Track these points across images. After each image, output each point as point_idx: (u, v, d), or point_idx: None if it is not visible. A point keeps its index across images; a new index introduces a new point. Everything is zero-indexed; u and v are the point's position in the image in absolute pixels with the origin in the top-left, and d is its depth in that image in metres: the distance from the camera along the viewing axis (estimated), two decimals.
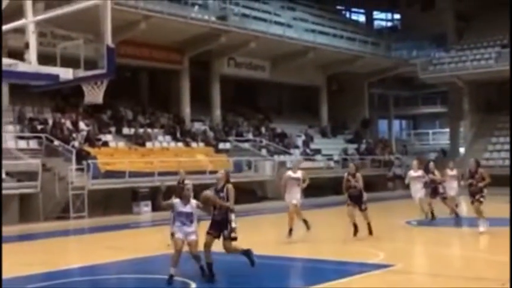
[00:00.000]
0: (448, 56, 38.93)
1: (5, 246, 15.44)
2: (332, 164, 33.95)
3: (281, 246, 12.42)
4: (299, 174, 14.08)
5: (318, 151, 34.89)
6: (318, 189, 32.56)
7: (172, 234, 9.96)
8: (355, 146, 37.85)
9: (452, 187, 18.07)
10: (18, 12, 9.64)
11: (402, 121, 51.98)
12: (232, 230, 9.53)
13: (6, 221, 19.85)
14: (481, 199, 14.11)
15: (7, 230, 18.57)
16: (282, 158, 31.29)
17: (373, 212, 14.96)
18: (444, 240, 14.53)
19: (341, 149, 36.43)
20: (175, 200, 9.61)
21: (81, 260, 12.81)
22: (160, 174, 22.58)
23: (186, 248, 9.31)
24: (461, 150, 39.48)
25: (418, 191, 17.26)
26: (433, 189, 17.32)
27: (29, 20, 9.33)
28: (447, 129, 44.58)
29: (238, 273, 10.30)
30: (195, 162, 26.06)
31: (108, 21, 8.84)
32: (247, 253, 9.92)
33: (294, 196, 13.88)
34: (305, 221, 14.16)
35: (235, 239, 9.61)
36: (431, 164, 17.95)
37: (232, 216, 9.59)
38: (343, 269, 10.81)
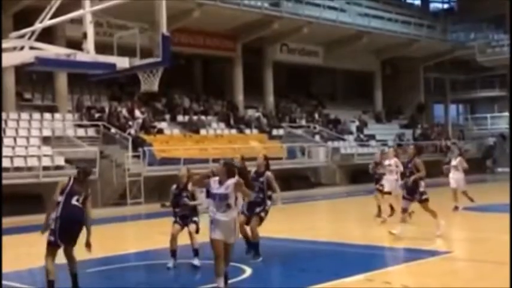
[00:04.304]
0: (507, 38, 37.76)
1: None
2: (386, 149, 33.48)
3: (334, 232, 12.36)
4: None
5: (372, 137, 34.55)
6: (371, 175, 32.39)
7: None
8: (410, 131, 37.32)
9: (454, 178, 16.49)
10: (75, 3, 9.85)
11: (459, 105, 50.84)
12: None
13: None
14: (424, 196, 11.50)
15: None
16: (335, 144, 31.15)
17: (430, 198, 14.66)
18: (503, 226, 14.12)
19: (396, 134, 36.02)
20: None
21: (137, 246, 13.08)
22: (215, 160, 22.76)
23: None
24: None
25: (391, 183, 14.56)
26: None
27: (86, 10, 9.51)
28: (506, 113, 43.38)
29: (289, 259, 10.34)
30: (249, 149, 26.16)
31: (163, 10, 8.96)
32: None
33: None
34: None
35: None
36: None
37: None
38: (398, 256, 10.71)
